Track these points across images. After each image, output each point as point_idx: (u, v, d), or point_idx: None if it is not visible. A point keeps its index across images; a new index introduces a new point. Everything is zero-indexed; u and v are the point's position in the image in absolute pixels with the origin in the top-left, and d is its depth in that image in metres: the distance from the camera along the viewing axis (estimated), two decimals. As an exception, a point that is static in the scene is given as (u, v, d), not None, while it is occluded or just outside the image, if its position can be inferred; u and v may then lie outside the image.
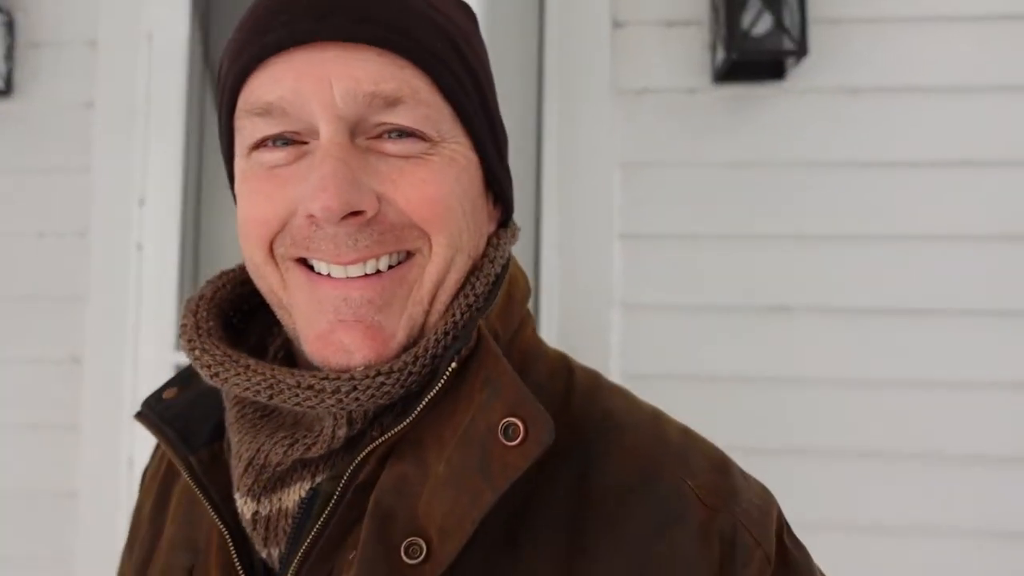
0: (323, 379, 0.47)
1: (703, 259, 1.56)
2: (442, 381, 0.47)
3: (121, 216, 1.74)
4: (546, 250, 1.60)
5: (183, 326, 0.54)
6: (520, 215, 1.64)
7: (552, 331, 1.55)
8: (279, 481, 0.49)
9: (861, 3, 1.55)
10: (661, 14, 1.62)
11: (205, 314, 0.55)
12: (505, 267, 0.54)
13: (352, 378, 0.47)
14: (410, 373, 0.48)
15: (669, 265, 1.56)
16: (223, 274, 0.59)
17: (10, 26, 1.77)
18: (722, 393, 1.52)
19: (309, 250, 0.48)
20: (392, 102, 0.46)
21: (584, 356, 1.53)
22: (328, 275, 0.48)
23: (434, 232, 0.48)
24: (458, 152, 0.50)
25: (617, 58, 1.62)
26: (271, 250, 0.50)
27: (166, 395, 0.57)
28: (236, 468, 0.50)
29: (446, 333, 0.49)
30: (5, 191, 1.81)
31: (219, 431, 0.55)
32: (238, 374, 0.49)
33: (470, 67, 0.51)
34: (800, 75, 1.55)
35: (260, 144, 0.49)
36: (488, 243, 0.55)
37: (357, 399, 0.46)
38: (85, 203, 1.76)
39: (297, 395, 0.47)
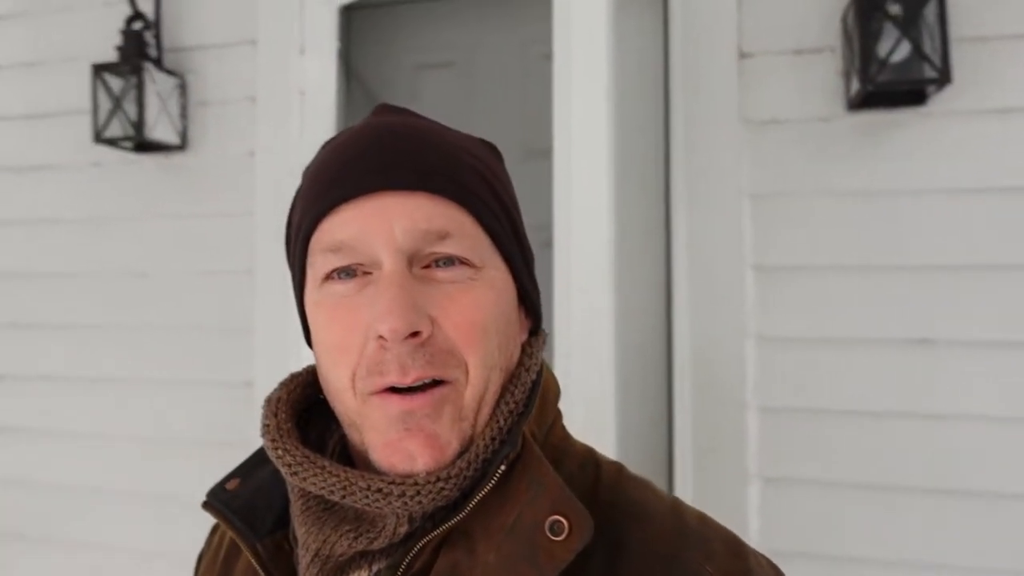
0: (390, 483, 0.54)
1: (839, 290, 1.55)
2: (492, 482, 0.54)
3: (282, 255, 1.92)
4: (677, 281, 1.64)
5: (266, 426, 0.61)
6: (650, 244, 1.68)
7: (685, 364, 1.59)
8: (340, 571, 0.56)
9: (1008, 20, 1.49)
10: (790, 43, 1.61)
11: (284, 415, 0.62)
12: (539, 373, 0.62)
13: (416, 483, 0.53)
14: (465, 477, 0.55)
15: (804, 296, 1.56)
16: (293, 377, 0.66)
17: (183, 88, 1.99)
18: (861, 428, 1.52)
19: (382, 375, 0.55)
20: (442, 236, 0.56)
21: (719, 389, 1.57)
22: (393, 392, 0.55)
23: (471, 357, 0.56)
24: (496, 276, 0.59)
25: (744, 88, 1.62)
26: (353, 381, 0.56)
27: (229, 486, 0.63)
28: (303, 558, 0.57)
29: (493, 439, 0.57)
30: (183, 234, 2.03)
31: (281, 521, 0.61)
32: (315, 474, 0.56)
33: (503, 202, 0.61)
34: (942, 99, 1.50)
35: (330, 276, 0.57)
36: (522, 351, 0.63)
37: (420, 502, 0.53)
38: (250, 243, 1.96)
39: (367, 497, 0.54)
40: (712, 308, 1.58)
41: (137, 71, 1.85)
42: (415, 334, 0.54)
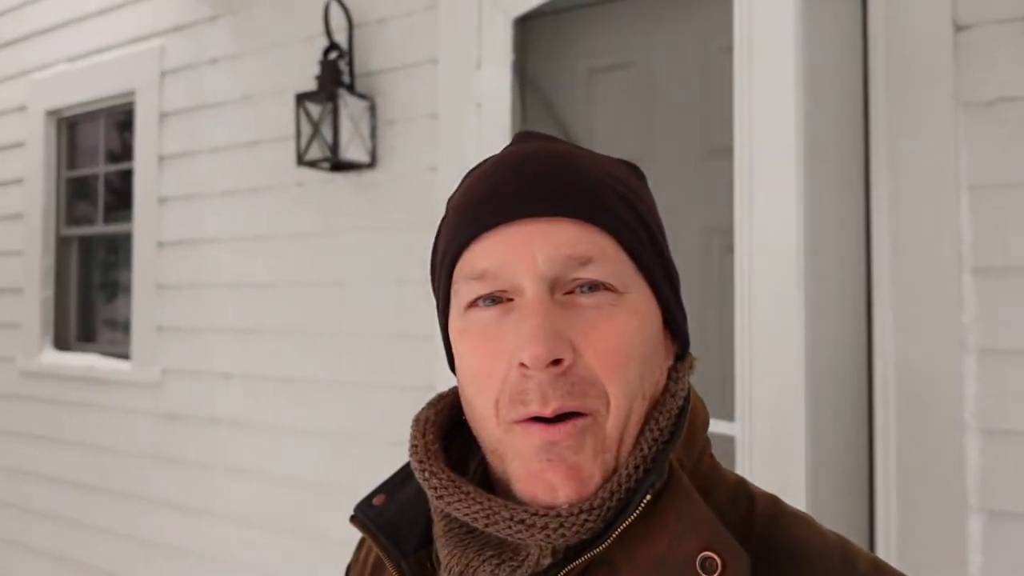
0: (533, 515, 0.53)
1: (1086, 295, 1.31)
2: (637, 511, 0.52)
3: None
4: (878, 287, 1.47)
5: (414, 447, 0.61)
6: (846, 247, 1.52)
7: (888, 380, 1.42)
8: None
9: None
10: (1017, 9, 1.39)
11: (431, 436, 0.62)
12: (686, 399, 0.60)
13: (559, 515, 0.52)
14: (608, 508, 0.53)
15: (1038, 303, 1.34)
16: (441, 397, 0.66)
17: (373, 109, 2.12)
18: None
19: (524, 404, 0.54)
20: (585, 261, 0.55)
21: (930, 408, 1.38)
22: (537, 422, 0.54)
23: (612, 387, 0.54)
24: (640, 301, 0.57)
25: (961, 65, 1.43)
26: (496, 409, 0.56)
27: (376, 501, 0.64)
28: None
29: (636, 467, 0.55)
30: (373, 246, 2.17)
31: (425, 539, 0.61)
32: (460, 500, 0.56)
33: (646, 224, 0.59)
34: None
35: (474, 303, 0.57)
36: (668, 376, 0.60)
37: (563, 535, 0.52)
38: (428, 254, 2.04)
39: (510, 527, 0.53)
40: (921, 318, 1.40)
41: (333, 97, 2.00)
42: (557, 362, 0.53)
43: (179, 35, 2.68)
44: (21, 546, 3.24)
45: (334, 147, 2.00)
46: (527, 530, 0.53)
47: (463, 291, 0.58)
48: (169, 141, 2.70)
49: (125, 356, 2.92)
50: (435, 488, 0.58)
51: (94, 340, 3.25)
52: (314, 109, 2.04)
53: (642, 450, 0.56)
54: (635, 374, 0.55)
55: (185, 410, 2.63)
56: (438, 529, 0.59)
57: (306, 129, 2.05)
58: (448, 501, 0.56)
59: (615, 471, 0.55)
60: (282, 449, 2.36)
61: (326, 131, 2.01)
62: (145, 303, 2.79)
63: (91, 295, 3.28)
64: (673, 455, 0.56)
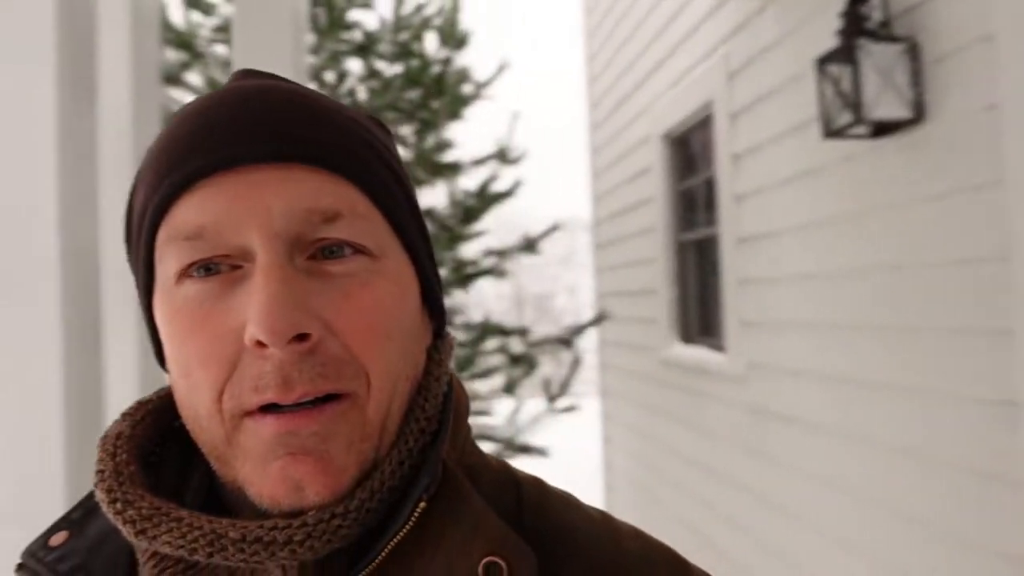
0: (272, 529, 0.43)
1: None
2: (412, 520, 0.45)
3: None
4: None
5: (100, 472, 0.47)
6: None
7: None
8: None
9: None
10: None
11: (125, 456, 0.48)
12: (450, 384, 0.52)
13: (305, 524, 0.43)
14: (367, 511, 0.45)
15: None
16: (141, 405, 0.52)
17: (914, 51, 1.73)
18: None
19: (258, 391, 0.43)
20: (330, 217, 0.45)
21: None
22: (271, 413, 0.44)
23: (372, 366, 0.46)
24: (399, 268, 0.49)
25: None
26: (219, 402, 0.44)
27: (53, 541, 0.49)
28: None
29: (401, 463, 0.47)
30: (927, 218, 1.76)
31: None
32: (170, 530, 0.44)
33: (401, 181, 0.51)
34: None
35: (186, 273, 0.45)
36: (429, 357, 0.52)
37: (312, 547, 0.43)
38: (1002, 222, 1.53)
39: (243, 550, 0.43)
40: None
41: (850, 50, 1.72)
42: (302, 338, 0.43)
43: (737, 37, 2.72)
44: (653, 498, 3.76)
45: (856, 106, 1.71)
46: (266, 549, 0.43)
47: (170, 257, 0.45)
48: (738, 140, 2.76)
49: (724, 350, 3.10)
50: (133, 521, 0.45)
51: (712, 335, 3.53)
52: (836, 70, 1.79)
53: (407, 443, 0.47)
54: (397, 351, 0.47)
55: (767, 405, 2.63)
56: (146, 573, 0.46)
57: (830, 96, 1.82)
58: (153, 535, 0.44)
59: (375, 465, 0.46)
60: (851, 460, 2.12)
61: (847, 89, 1.74)
62: (731, 299, 2.90)
63: (708, 293, 3.58)
64: (443, 450, 0.48)
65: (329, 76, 4.31)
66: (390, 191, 0.49)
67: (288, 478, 0.44)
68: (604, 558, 0.49)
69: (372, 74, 4.25)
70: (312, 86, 4.61)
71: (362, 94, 4.23)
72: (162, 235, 0.46)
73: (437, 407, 0.50)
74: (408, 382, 0.49)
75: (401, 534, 0.44)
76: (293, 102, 0.47)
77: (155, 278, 0.47)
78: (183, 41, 3.93)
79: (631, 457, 4.54)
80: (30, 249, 1.17)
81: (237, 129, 0.45)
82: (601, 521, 0.52)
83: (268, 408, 0.44)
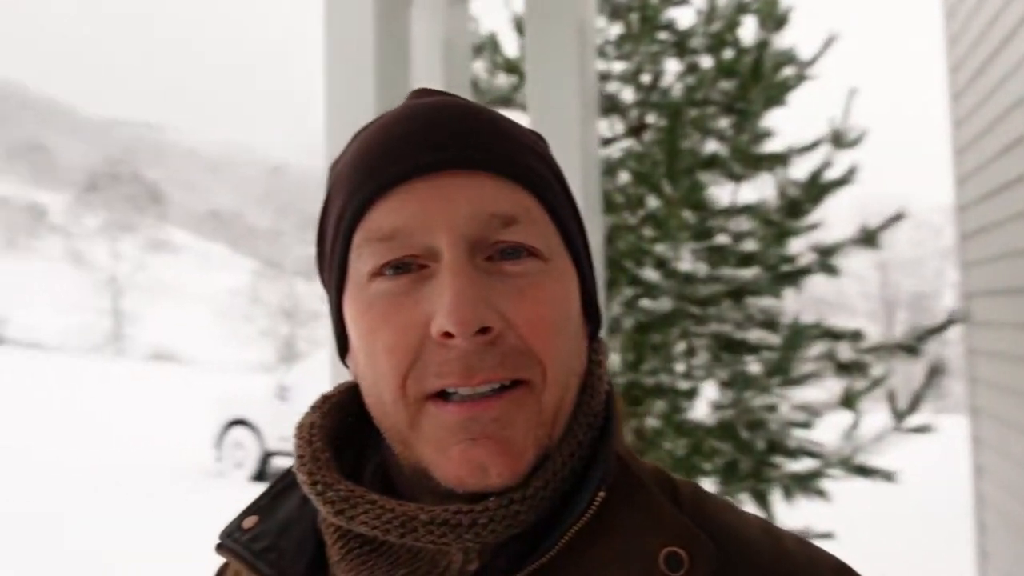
0: (457, 513, 0.47)
1: None
2: (591, 510, 0.48)
3: None
4: None
5: (300, 457, 0.53)
6: None
7: None
8: None
9: None
10: None
11: (320, 444, 0.53)
12: (611, 383, 0.56)
13: (487, 508, 0.47)
14: (542, 498, 0.48)
15: None
16: (325, 399, 0.58)
17: None
18: None
19: (440, 376, 0.48)
20: (508, 221, 0.50)
21: None
22: (453, 401, 0.48)
23: (548, 359, 0.49)
24: (565, 271, 0.53)
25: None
26: (403, 388, 0.49)
27: (246, 524, 0.54)
28: None
29: (572, 455, 0.50)
30: None
31: (316, 566, 0.52)
32: (366, 512, 0.49)
33: (567, 191, 0.56)
34: None
35: (379, 272, 0.50)
36: (589, 359, 0.55)
37: (494, 530, 0.47)
38: None
39: (431, 532, 0.47)
40: None
41: None
42: (485, 330, 0.47)
43: None
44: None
45: None
46: (453, 531, 0.47)
47: (366, 257, 0.50)
48: None
49: None
50: (333, 502, 0.50)
51: None
52: None
53: (576, 437, 0.51)
54: (566, 346, 0.51)
55: None
56: (333, 552, 0.51)
57: None
58: (351, 515, 0.49)
59: (547, 456, 0.50)
60: None
61: None
62: None
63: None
64: (616, 444, 0.52)
65: (645, 77, 4.30)
66: (559, 200, 0.54)
67: (471, 461, 0.47)
68: (768, 560, 0.49)
69: (691, 69, 4.13)
70: (628, 90, 4.65)
71: (677, 91, 4.14)
72: (358, 237, 0.51)
73: (601, 403, 0.53)
74: (576, 377, 0.52)
75: (582, 521, 0.47)
76: (472, 115, 0.52)
77: (347, 278, 0.52)
78: (512, 67, 4.24)
79: (1012, 494, 3.72)
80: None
81: (425, 140, 0.50)
82: (760, 525, 0.53)
83: (448, 395, 0.48)
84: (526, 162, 0.52)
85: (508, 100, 4.26)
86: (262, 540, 0.53)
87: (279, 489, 0.56)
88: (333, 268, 0.54)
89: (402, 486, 0.53)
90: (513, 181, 0.51)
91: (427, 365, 0.48)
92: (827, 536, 3.08)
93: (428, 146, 0.50)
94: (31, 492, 8.22)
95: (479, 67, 3.67)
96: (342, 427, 0.57)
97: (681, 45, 4.12)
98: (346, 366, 0.57)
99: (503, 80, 4.38)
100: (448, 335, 0.47)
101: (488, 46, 3.54)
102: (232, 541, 0.53)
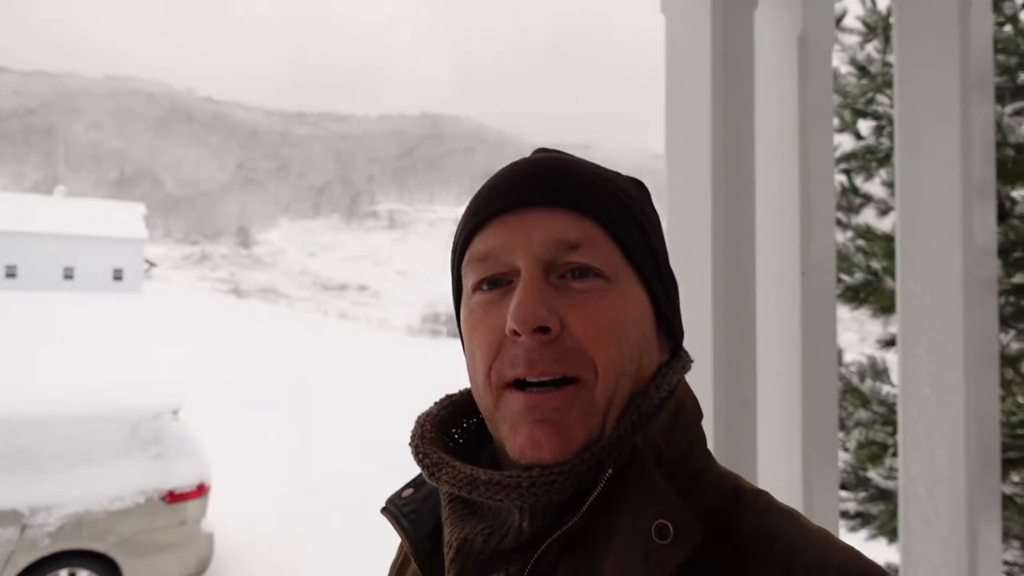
0: (509, 477, 0.60)
1: None
2: (601, 485, 0.57)
3: None
4: None
5: (412, 435, 0.68)
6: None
7: None
8: (480, 571, 0.61)
9: None
10: None
11: (430, 426, 0.69)
12: (671, 393, 0.64)
13: (531, 476, 0.59)
14: (578, 473, 0.59)
15: None
16: (447, 397, 0.73)
17: None
18: None
19: (512, 367, 0.61)
20: (574, 246, 0.62)
21: None
22: (524, 391, 0.61)
23: (599, 357, 0.60)
24: (630, 290, 0.64)
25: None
26: (489, 376, 0.63)
27: (405, 494, 0.70)
28: (447, 555, 0.63)
29: (612, 444, 0.60)
30: None
31: (439, 524, 0.66)
32: (447, 474, 0.63)
33: (638, 223, 0.66)
34: None
35: (479, 286, 0.64)
36: (658, 370, 0.66)
37: (535, 493, 0.59)
38: None
39: (489, 490, 0.60)
40: None
41: None
42: (544, 331, 0.59)
43: None
44: None
45: None
46: (503, 491, 0.59)
47: (470, 274, 0.65)
48: None
49: None
50: (428, 467, 0.64)
51: None
52: None
53: (619, 431, 0.61)
54: (618, 350, 0.61)
55: None
56: (445, 512, 0.65)
57: None
58: (438, 476, 0.63)
59: (598, 440, 0.60)
60: None
61: None
62: None
63: None
64: (643, 439, 0.60)
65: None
66: (626, 229, 0.64)
67: (532, 438, 0.60)
68: (802, 565, 0.54)
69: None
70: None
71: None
72: (465, 259, 0.67)
73: (651, 408, 0.62)
74: (629, 380, 0.62)
75: (595, 494, 0.57)
76: (559, 167, 0.65)
77: (462, 292, 0.68)
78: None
79: None
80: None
81: (517, 185, 0.65)
82: (818, 535, 0.58)
83: (522, 386, 0.61)
84: (596, 200, 0.64)
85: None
86: (411, 505, 0.69)
87: None
88: (453, 285, 0.70)
89: (507, 467, 0.65)
90: (582, 215, 0.63)
91: (504, 358, 0.61)
92: None
93: (518, 190, 0.64)
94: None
95: (871, 49, 3.38)
96: (458, 419, 0.72)
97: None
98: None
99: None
100: (516, 333, 0.59)
101: (880, 25, 3.25)
102: (391, 505, 0.69)
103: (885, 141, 3.23)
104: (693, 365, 0.69)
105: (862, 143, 3.30)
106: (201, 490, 5.03)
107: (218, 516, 5.56)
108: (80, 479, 4.67)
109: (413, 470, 0.68)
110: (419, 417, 0.71)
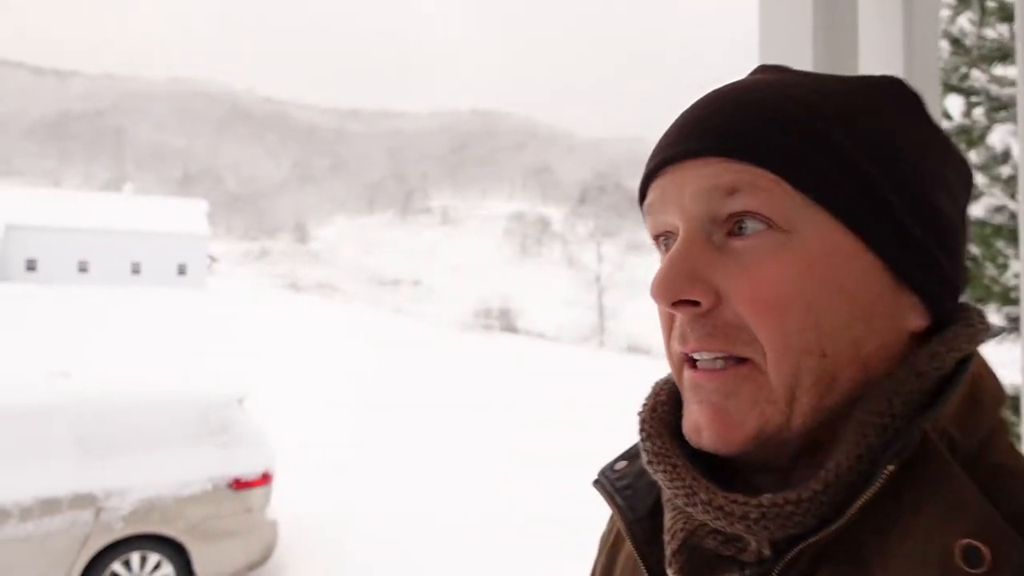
0: (732, 502, 0.49)
1: None
2: (878, 484, 0.45)
3: None
4: None
5: (644, 404, 0.60)
6: None
7: None
8: (709, 567, 0.52)
9: None
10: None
11: (664, 397, 0.60)
12: (958, 371, 0.50)
13: (760, 505, 0.48)
14: (821, 503, 0.47)
15: None
16: None
17: None
18: None
19: (675, 340, 0.54)
20: (730, 191, 0.51)
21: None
22: (695, 368, 0.53)
23: (764, 334, 0.49)
24: (815, 242, 0.50)
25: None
26: (669, 348, 0.56)
27: (618, 466, 0.62)
28: (668, 544, 0.54)
29: (859, 457, 0.48)
30: None
31: (658, 506, 0.57)
32: (665, 471, 0.54)
33: (837, 151, 0.51)
34: None
35: (656, 240, 0.57)
36: (920, 346, 0.52)
37: (766, 527, 0.48)
38: None
39: (708, 512, 0.50)
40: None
41: None
42: (693, 304, 0.51)
43: None
44: None
45: None
46: (725, 517, 0.49)
47: (648, 226, 0.59)
48: None
49: None
50: (647, 452, 0.56)
51: None
52: None
53: (857, 442, 0.48)
54: (796, 324, 0.49)
55: None
56: (666, 494, 0.56)
57: None
58: (655, 468, 0.55)
59: (782, 433, 0.50)
60: None
61: None
62: None
63: None
64: (932, 426, 0.47)
65: None
66: (807, 166, 0.50)
67: (694, 420, 0.53)
68: None
69: None
70: None
71: None
72: (644, 209, 0.59)
73: (905, 399, 0.49)
74: (825, 359, 0.49)
75: (868, 494, 0.45)
76: (731, 101, 0.54)
77: None
78: (1007, 14, 3.58)
79: None
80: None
81: (680, 133, 0.55)
82: None
83: (693, 362, 0.53)
84: (758, 138, 0.51)
85: (1004, 54, 3.62)
86: (624, 480, 0.61)
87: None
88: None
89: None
90: (737, 158, 0.51)
91: (676, 329, 0.54)
92: None
93: (674, 141, 0.54)
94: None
95: (964, 21, 3.18)
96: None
97: None
98: None
99: (999, 30, 3.73)
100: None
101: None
102: (604, 477, 0.61)
103: (980, 119, 3.03)
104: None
105: (954, 123, 3.10)
106: (266, 478, 5.10)
107: (280, 504, 5.63)
108: (151, 465, 4.77)
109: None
110: (655, 384, 0.62)
